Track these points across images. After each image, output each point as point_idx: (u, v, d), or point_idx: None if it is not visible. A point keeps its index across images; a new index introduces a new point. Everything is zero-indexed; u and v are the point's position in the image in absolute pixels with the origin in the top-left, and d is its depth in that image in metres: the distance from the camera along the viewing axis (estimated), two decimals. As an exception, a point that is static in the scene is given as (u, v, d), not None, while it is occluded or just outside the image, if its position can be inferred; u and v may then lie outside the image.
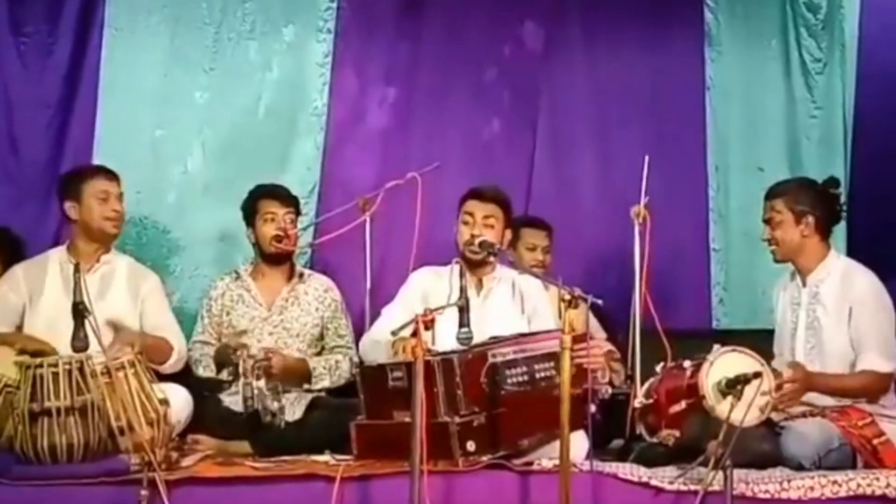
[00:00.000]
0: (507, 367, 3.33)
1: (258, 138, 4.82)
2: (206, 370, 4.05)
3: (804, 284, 3.69)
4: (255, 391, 3.71)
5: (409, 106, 4.91)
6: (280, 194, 4.20)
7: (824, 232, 3.69)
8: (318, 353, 4.16)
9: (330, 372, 4.07)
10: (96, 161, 4.49)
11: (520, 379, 3.34)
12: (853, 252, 4.19)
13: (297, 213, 4.24)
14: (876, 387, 3.52)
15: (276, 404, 3.74)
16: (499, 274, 3.89)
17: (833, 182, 3.76)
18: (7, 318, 3.75)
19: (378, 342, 3.68)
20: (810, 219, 3.65)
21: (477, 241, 3.74)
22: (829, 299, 3.62)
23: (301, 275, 4.22)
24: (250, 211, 4.19)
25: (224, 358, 3.94)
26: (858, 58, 4.89)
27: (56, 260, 3.87)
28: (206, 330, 4.16)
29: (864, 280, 3.60)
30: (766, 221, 3.72)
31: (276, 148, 4.82)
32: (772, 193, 3.75)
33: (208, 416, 3.79)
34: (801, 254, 3.68)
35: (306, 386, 4.06)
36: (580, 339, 3.32)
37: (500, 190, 3.92)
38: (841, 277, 3.63)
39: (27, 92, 4.65)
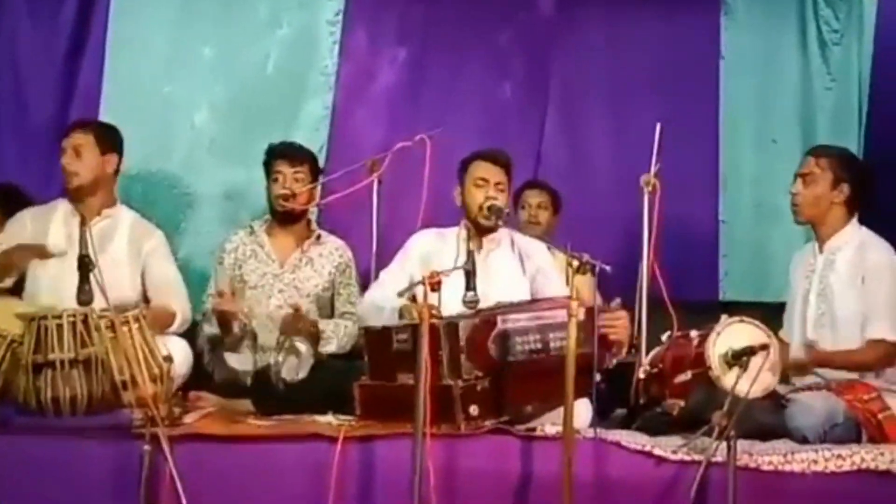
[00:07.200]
0: (518, 333, 3.27)
1: (266, 96, 4.78)
2: (212, 326, 3.98)
3: (821, 251, 3.65)
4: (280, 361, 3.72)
5: (420, 67, 4.86)
6: (289, 154, 4.09)
7: (852, 207, 3.63)
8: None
9: (338, 336, 4.00)
10: (103, 117, 4.46)
11: (532, 347, 3.29)
12: (867, 225, 4.15)
13: (313, 170, 4.11)
14: (886, 356, 3.48)
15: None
16: (498, 235, 3.83)
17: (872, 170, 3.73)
18: None
19: (381, 308, 3.59)
20: (846, 188, 3.60)
21: (486, 205, 3.70)
22: (842, 267, 3.58)
23: (319, 236, 4.15)
24: (266, 169, 4.11)
25: (225, 322, 3.88)
26: (876, 29, 4.83)
27: (61, 212, 3.83)
28: (219, 285, 4.08)
29: (879, 252, 3.56)
30: (802, 175, 3.62)
31: (284, 107, 4.78)
32: (820, 150, 3.70)
33: (211, 373, 3.78)
34: (823, 219, 3.63)
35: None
36: (607, 309, 3.34)
37: (508, 155, 3.88)
38: (857, 247, 3.59)
39: (35, 50, 4.64)
